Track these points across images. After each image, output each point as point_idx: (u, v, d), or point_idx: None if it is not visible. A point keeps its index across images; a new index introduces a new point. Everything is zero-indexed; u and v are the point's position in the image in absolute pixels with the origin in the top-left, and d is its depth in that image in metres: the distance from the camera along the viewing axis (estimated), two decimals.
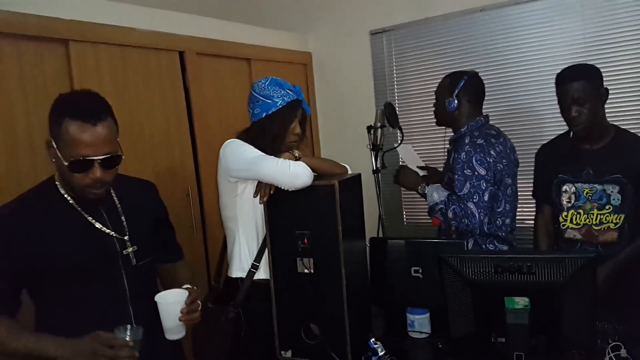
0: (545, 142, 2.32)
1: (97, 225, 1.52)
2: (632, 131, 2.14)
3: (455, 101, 2.27)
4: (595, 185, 2.07)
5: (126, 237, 1.56)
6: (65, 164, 1.40)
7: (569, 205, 2.13)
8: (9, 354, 1.43)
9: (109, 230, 1.54)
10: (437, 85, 2.41)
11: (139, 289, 1.58)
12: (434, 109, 2.42)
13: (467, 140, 2.20)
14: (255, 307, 1.93)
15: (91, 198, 1.49)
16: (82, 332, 1.41)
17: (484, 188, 2.14)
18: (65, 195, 1.51)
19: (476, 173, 2.14)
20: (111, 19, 2.35)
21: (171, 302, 1.52)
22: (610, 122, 2.13)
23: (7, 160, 2.00)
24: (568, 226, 2.14)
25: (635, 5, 2.69)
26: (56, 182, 1.52)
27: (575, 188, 2.11)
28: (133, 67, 2.46)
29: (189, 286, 1.64)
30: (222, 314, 1.92)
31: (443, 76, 2.41)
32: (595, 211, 2.08)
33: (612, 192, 2.04)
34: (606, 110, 2.05)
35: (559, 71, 2.11)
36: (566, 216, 2.14)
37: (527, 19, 2.97)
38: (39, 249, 1.43)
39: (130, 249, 1.56)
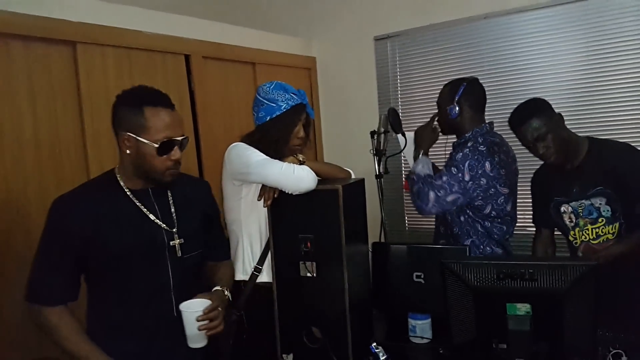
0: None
1: (150, 216, 1.60)
2: (632, 141, 2.15)
3: (457, 107, 2.28)
4: (583, 201, 2.08)
5: (174, 230, 1.63)
6: (156, 146, 1.51)
7: (572, 224, 2.15)
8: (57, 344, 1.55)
9: (159, 221, 1.61)
10: (440, 92, 2.42)
11: (183, 281, 1.64)
12: (437, 118, 2.43)
13: (469, 144, 2.21)
14: (258, 310, 1.94)
15: (168, 181, 1.59)
16: (129, 316, 1.56)
17: (453, 190, 2.15)
18: (123, 186, 1.60)
19: (460, 175, 2.14)
20: (118, 22, 2.37)
21: (192, 311, 1.56)
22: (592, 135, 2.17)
23: (14, 160, 2.01)
24: (578, 243, 2.15)
25: (638, 14, 2.70)
26: (116, 174, 1.61)
27: (572, 208, 2.13)
28: (139, 70, 2.47)
29: (218, 288, 1.71)
30: (225, 316, 1.92)
31: (446, 83, 2.42)
32: (589, 226, 2.09)
33: (600, 204, 2.05)
34: (609, 119, 2.05)
35: (511, 114, 2.13)
36: (574, 235, 2.15)
37: (530, 26, 2.99)
38: (94, 234, 1.52)
39: (177, 241, 1.63)
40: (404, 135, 2.49)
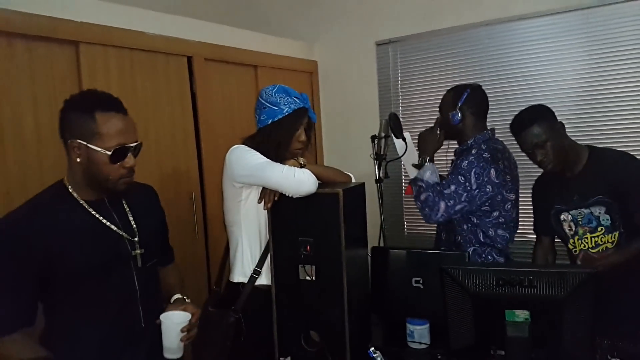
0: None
1: (111, 226, 1.54)
2: (633, 149, 2.16)
3: (459, 114, 2.28)
4: (583, 209, 2.09)
5: (136, 239, 1.59)
6: (109, 153, 1.44)
7: (572, 232, 2.15)
8: None
9: (121, 232, 1.56)
10: (441, 97, 2.42)
11: (148, 290, 1.62)
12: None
13: (474, 152, 2.21)
14: (256, 312, 1.94)
15: (121, 190, 1.53)
16: (95, 331, 1.49)
17: (461, 200, 2.15)
18: (77, 197, 1.52)
19: (467, 184, 2.15)
20: (121, 23, 2.37)
21: (177, 322, 1.57)
22: (589, 144, 2.16)
23: (15, 159, 2.01)
24: (577, 251, 2.16)
25: (639, 23, 2.72)
26: (67, 185, 1.53)
27: (571, 216, 2.13)
28: (141, 71, 2.48)
29: (178, 296, 1.72)
30: (223, 318, 1.93)
31: (447, 89, 2.43)
32: (589, 235, 2.09)
33: (599, 213, 2.05)
34: (610, 127, 2.05)
35: (515, 119, 2.13)
36: (574, 243, 2.16)
37: (532, 34, 3.00)
38: (54, 251, 1.43)
39: (138, 251, 1.59)
40: (404, 140, 2.49)
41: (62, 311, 1.50)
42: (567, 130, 2.12)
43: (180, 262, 1.97)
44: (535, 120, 2.05)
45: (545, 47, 2.97)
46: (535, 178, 2.34)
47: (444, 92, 2.42)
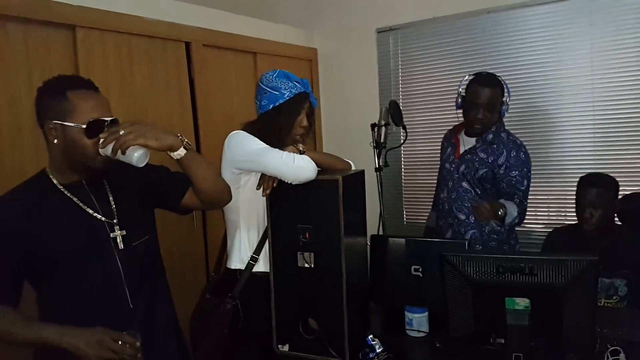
0: (548, 150, 2.35)
1: (88, 210, 1.53)
2: (634, 138, 2.16)
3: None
4: (604, 279, 2.10)
5: (115, 221, 1.57)
6: (84, 126, 1.43)
7: None
8: (15, 343, 1.46)
9: (99, 215, 1.55)
10: (442, 85, 2.41)
11: (134, 271, 1.59)
12: (483, 120, 2.32)
13: (511, 137, 2.34)
14: (254, 299, 1.92)
15: (99, 167, 1.51)
16: (83, 314, 1.47)
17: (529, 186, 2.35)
18: (57, 184, 1.52)
19: (530, 173, 2.33)
20: (119, 7, 2.34)
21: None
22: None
23: (12, 145, 1.99)
24: None
25: None
26: (48, 173, 1.54)
27: None
28: (139, 56, 2.45)
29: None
30: (220, 305, 1.92)
31: (448, 76, 2.41)
32: (603, 300, 2.12)
33: (619, 285, 2.09)
34: (612, 116, 2.03)
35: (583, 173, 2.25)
36: None
37: (534, 22, 2.97)
38: (33, 236, 1.45)
39: (117, 233, 1.56)
40: (404, 128, 2.47)
41: (48, 297, 1.52)
42: (569, 120, 2.12)
43: (178, 250, 1.95)
44: (606, 186, 2.16)
45: (547, 34, 2.94)
46: (536, 167, 2.35)
47: (444, 80, 2.41)
